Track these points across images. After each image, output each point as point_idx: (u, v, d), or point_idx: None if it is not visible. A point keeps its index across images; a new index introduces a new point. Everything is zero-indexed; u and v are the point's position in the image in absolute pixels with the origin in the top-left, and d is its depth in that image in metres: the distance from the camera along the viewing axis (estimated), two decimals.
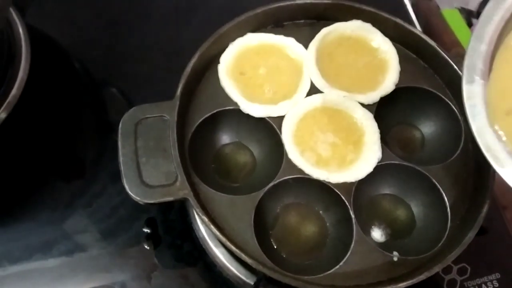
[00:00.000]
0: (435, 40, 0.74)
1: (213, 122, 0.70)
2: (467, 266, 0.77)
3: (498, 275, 0.77)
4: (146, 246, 0.75)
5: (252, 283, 0.69)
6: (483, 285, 0.76)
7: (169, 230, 0.76)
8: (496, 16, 0.54)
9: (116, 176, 0.77)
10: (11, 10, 0.82)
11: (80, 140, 0.85)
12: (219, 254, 0.72)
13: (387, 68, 0.74)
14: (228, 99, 0.70)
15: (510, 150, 0.52)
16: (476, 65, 0.54)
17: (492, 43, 0.54)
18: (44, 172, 0.81)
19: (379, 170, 0.68)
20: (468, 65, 0.54)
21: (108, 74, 0.91)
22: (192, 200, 0.61)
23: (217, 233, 0.59)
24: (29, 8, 0.90)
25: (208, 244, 0.73)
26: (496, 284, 0.77)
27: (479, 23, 0.55)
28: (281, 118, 0.69)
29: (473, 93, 0.53)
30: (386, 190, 0.71)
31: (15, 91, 0.79)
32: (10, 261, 0.73)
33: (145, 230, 0.76)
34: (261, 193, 0.65)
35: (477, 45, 0.54)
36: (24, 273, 0.73)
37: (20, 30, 0.84)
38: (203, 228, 0.73)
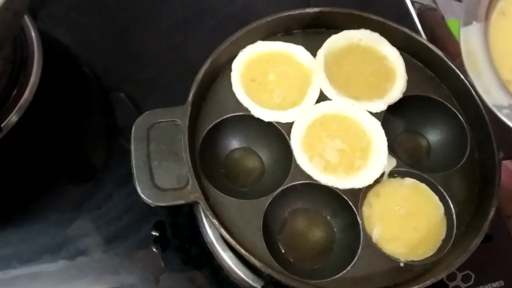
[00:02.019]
0: (440, 50, 0.75)
1: (223, 128, 0.71)
2: (471, 273, 0.77)
3: (502, 283, 0.77)
4: (154, 249, 0.75)
5: (259, 287, 0.70)
6: None
7: (177, 234, 0.77)
8: None
9: (124, 180, 0.79)
10: (25, 15, 0.83)
11: (89, 144, 0.86)
12: (227, 258, 0.72)
13: (395, 77, 0.75)
14: (238, 105, 0.71)
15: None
16: (474, 10, 0.56)
17: None
18: (54, 175, 0.82)
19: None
20: (466, 9, 0.57)
21: (117, 79, 0.91)
22: (202, 204, 0.61)
23: (227, 236, 0.60)
24: (40, 13, 0.92)
25: (215, 248, 0.73)
26: None
27: None
28: (290, 124, 0.70)
29: (469, 34, 0.56)
30: None
31: (27, 95, 0.80)
32: (20, 261, 0.73)
33: (154, 233, 0.76)
34: (269, 198, 0.66)
35: None
36: (34, 274, 0.73)
37: (33, 35, 0.85)
38: (211, 232, 0.74)
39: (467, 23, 0.57)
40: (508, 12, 0.59)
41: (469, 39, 0.57)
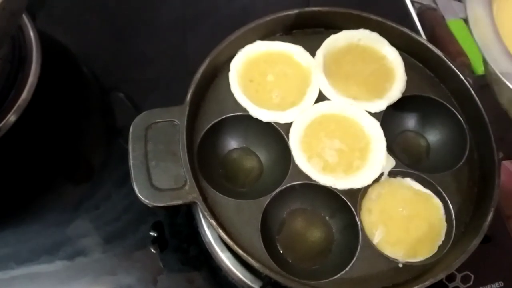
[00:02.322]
0: (440, 50, 0.75)
1: (222, 128, 0.71)
2: (470, 274, 0.77)
3: (501, 284, 0.77)
4: (152, 250, 0.75)
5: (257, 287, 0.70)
6: None
7: (175, 234, 0.77)
8: None
9: (123, 180, 0.79)
10: (23, 15, 0.83)
11: (88, 144, 0.86)
12: (225, 258, 0.72)
13: (394, 77, 0.75)
14: (236, 105, 0.71)
15: None
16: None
17: None
18: (52, 175, 0.82)
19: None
20: None
21: (115, 79, 0.91)
22: (200, 204, 0.61)
23: (225, 236, 0.60)
24: (39, 13, 0.91)
25: (214, 248, 0.73)
26: None
27: None
28: (288, 125, 0.70)
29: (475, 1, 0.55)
30: None
31: (25, 95, 0.80)
32: (17, 262, 0.73)
33: (152, 233, 0.76)
34: (268, 198, 0.66)
35: None
36: (31, 274, 0.73)
37: (31, 35, 0.85)
38: (209, 232, 0.74)
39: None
40: None
41: (474, 6, 0.56)
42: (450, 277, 0.76)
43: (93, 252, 0.75)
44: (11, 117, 0.78)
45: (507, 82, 0.51)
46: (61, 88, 0.88)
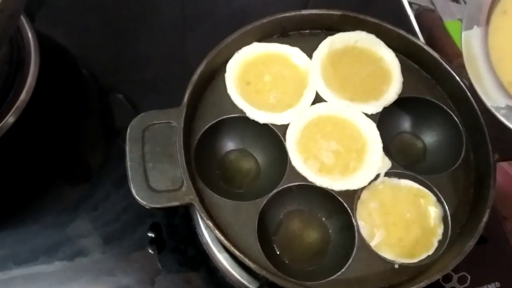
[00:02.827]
0: (437, 51, 0.75)
1: (219, 129, 0.71)
2: (467, 275, 0.77)
3: (497, 284, 0.78)
4: (150, 251, 0.76)
5: None
6: None
7: (173, 235, 0.77)
8: None
9: (121, 181, 0.79)
10: (21, 16, 0.84)
11: (87, 145, 0.86)
12: (222, 259, 0.73)
13: (390, 79, 0.75)
14: (233, 107, 0.71)
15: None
16: (474, 15, 0.58)
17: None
18: (51, 176, 0.82)
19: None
20: (468, 14, 0.59)
21: (114, 80, 0.92)
22: (197, 205, 0.61)
23: (221, 238, 0.60)
24: (38, 14, 0.92)
25: (211, 249, 0.73)
26: None
27: None
28: (285, 126, 0.70)
29: (470, 38, 0.58)
30: None
31: (23, 96, 0.80)
32: (16, 263, 0.74)
33: (150, 234, 0.77)
34: (264, 200, 0.66)
35: None
36: (30, 275, 0.73)
37: (30, 36, 0.85)
38: (206, 233, 0.74)
39: (468, 27, 0.59)
40: (509, 11, 0.59)
41: (470, 43, 0.58)
42: (447, 278, 0.77)
43: (91, 253, 0.75)
44: (10, 118, 0.78)
45: (498, 115, 0.55)
46: (60, 89, 0.88)
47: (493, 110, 0.56)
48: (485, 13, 0.58)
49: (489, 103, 0.57)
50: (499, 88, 0.56)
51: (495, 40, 0.59)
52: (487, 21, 0.59)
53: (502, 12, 0.59)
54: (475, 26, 0.59)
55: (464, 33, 0.59)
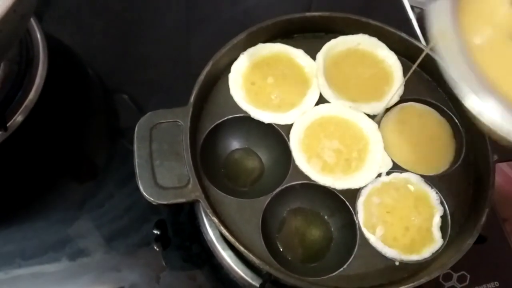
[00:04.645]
0: None
1: (224, 129, 0.73)
2: (466, 274, 0.78)
3: (496, 284, 0.79)
4: (155, 247, 0.77)
5: (257, 285, 0.71)
6: None
7: (178, 232, 0.78)
8: None
9: (127, 180, 0.80)
10: (31, 18, 0.85)
11: (92, 144, 0.88)
12: (226, 256, 0.74)
13: (392, 80, 0.76)
14: (238, 107, 0.72)
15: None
16: None
17: None
18: (57, 174, 0.83)
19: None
20: None
21: (120, 81, 0.93)
22: (203, 202, 0.63)
23: (226, 233, 0.62)
24: (45, 16, 0.93)
25: (215, 246, 0.75)
26: None
27: None
28: (289, 126, 0.72)
29: (439, 11, 0.52)
30: None
31: (32, 95, 0.82)
32: (23, 258, 0.75)
33: (155, 231, 0.78)
34: (268, 197, 0.67)
35: None
36: (37, 270, 0.74)
37: (38, 37, 0.86)
38: (211, 231, 0.75)
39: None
40: None
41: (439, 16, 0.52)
42: (447, 277, 0.78)
43: (97, 249, 0.77)
44: (18, 117, 0.80)
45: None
46: (67, 90, 0.89)
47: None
48: None
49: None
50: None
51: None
52: None
53: None
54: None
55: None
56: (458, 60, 0.50)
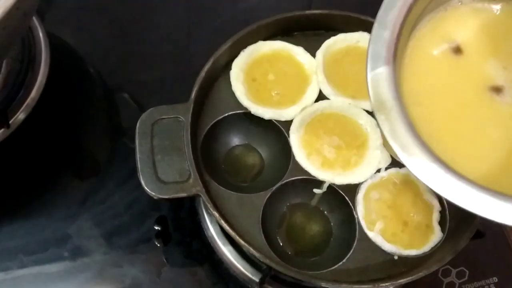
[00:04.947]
0: None
1: (224, 125, 0.73)
2: (465, 269, 0.79)
3: (495, 279, 0.79)
4: (156, 243, 0.78)
5: (257, 280, 0.72)
6: None
7: (179, 228, 0.79)
8: (399, 2, 0.51)
9: (127, 177, 0.81)
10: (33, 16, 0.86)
11: (94, 142, 0.88)
12: (227, 252, 0.74)
13: None
14: (239, 103, 0.73)
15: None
16: (380, 52, 0.50)
17: (396, 30, 0.50)
18: (59, 171, 0.84)
19: None
20: (372, 52, 0.50)
21: (121, 80, 0.94)
22: (204, 197, 0.63)
23: (227, 227, 0.62)
24: (47, 14, 0.94)
25: (216, 242, 0.75)
26: None
27: (382, 8, 0.51)
28: (289, 122, 0.72)
29: (378, 80, 0.49)
30: None
31: (34, 93, 0.82)
32: (26, 254, 0.76)
33: (156, 227, 0.78)
34: (268, 193, 0.68)
35: (381, 32, 0.50)
36: (39, 266, 0.75)
37: (41, 36, 0.87)
38: (211, 226, 0.76)
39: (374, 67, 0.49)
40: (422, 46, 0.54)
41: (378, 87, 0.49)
42: (446, 273, 0.78)
43: (98, 245, 0.77)
44: (21, 115, 0.81)
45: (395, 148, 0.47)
46: (69, 88, 0.90)
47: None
48: (391, 48, 0.50)
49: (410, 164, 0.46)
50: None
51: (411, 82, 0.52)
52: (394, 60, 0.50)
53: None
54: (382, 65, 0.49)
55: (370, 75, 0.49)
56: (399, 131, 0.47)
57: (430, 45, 0.55)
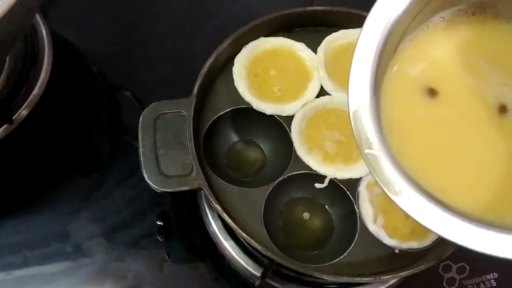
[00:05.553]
0: None
1: (226, 120, 0.74)
2: (466, 265, 0.79)
3: (495, 275, 0.79)
4: (158, 238, 0.78)
5: (259, 274, 0.72)
6: (481, 284, 0.79)
7: (181, 223, 0.80)
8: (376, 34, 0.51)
9: (129, 173, 0.82)
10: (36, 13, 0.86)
11: (96, 138, 0.89)
12: (229, 247, 0.75)
13: None
14: (241, 99, 0.73)
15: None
16: (359, 87, 0.49)
17: (374, 63, 0.50)
18: (62, 166, 0.85)
19: None
20: (351, 88, 0.50)
21: (123, 78, 0.94)
22: (206, 190, 0.64)
23: (229, 220, 0.63)
24: (50, 12, 0.94)
25: (218, 237, 0.76)
26: (494, 283, 0.79)
27: (359, 41, 0.52)
28: (290, 117, 0.73)
29: (359, 117, 0.48)
30: None
31: (37, 90, 0.83)
32: (28, 248, 0.76)
33: (158, 222, 0.79)
34: (270, 187, 0.68)
35: (359, 65, 0.50)
36: (42, 261, 0.76)
37: (44, 33, 0.87)
38: (213, 221, 0.76)
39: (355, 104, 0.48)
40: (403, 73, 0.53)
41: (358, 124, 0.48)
42: (446, 268, 0.79)
43: (101, 240, 0.78)
44: (23, 111, 0.81)
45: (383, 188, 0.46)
46: (71, 85, 0.91)
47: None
48: (371, 81, 0.49)
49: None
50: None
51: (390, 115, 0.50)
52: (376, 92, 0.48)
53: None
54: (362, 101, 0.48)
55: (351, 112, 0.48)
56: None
57: (411, 68, 0.54)
